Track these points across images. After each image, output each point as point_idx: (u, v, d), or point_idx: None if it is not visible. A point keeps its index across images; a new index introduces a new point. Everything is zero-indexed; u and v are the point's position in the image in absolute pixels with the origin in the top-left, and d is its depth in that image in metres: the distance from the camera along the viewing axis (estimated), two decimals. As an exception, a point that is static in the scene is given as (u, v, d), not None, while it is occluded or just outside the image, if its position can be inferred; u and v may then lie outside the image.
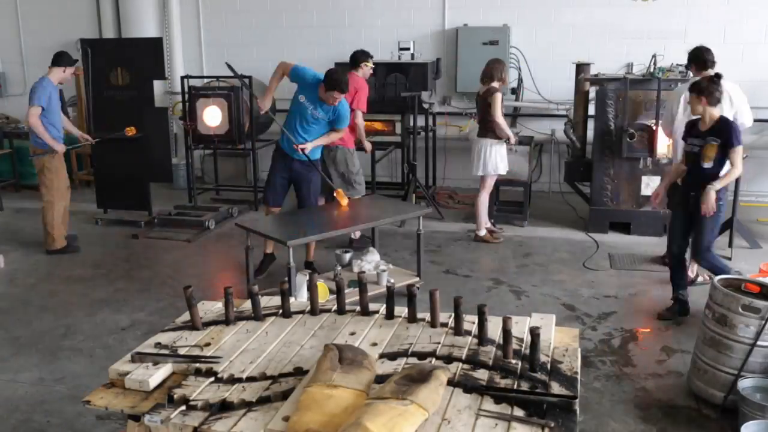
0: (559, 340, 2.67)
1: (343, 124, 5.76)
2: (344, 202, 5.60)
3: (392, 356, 2.51)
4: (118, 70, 7.45)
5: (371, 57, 6.80)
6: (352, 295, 3.26)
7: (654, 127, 6.54)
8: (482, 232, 6.85)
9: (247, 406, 2.22)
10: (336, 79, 5.43)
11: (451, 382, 2.27)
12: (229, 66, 6.14)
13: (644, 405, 3.88)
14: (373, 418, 1.94)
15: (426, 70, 8.02)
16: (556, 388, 2.26)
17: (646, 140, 6.71)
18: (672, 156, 5.97)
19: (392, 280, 5.07)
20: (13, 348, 4.71)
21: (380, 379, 2.29)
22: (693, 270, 5.56)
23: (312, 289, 2.97)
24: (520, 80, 8.58)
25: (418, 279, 5.52)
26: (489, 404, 2.16)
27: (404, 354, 2.52)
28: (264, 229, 5.23)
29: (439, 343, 2.59)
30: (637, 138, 6.73)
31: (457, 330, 2.66)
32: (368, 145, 7.00)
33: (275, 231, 5.16)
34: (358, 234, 6.60)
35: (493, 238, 6.85)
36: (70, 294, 5.71)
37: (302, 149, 5.61)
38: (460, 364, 2.42)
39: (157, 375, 2.39)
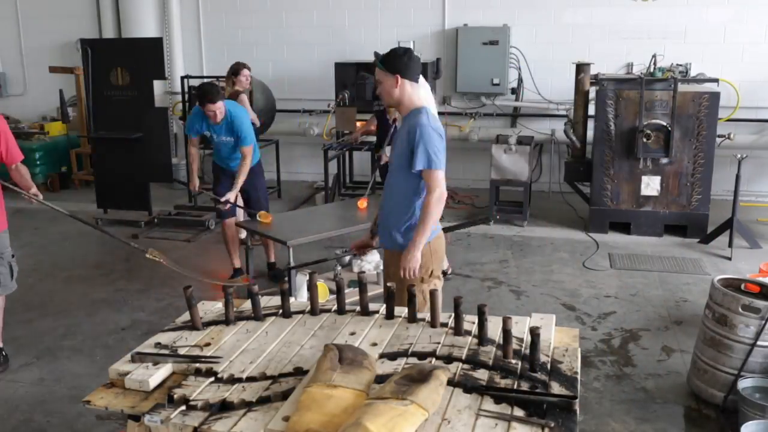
0: (559, 340, 2.67)
1: (246, 140, 5.50)
2: (267, 220, 5.40)
3: (392, 356, 2.51)
4: (118, 70, 7.45)
5: None
6: (352, 295, 3.26)
7: (669, 128, 6.57)
8: None
9: (247, 406, 2.21)
10: (199, 93, 5.40)
11: (451, 382, 2.27)
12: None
13: (644, 405, 3.88)
14: (373, 418, 1.94)
15: (426, 70, 8.02)
16: (556, 388, 2.26)
17: (662, 140, 6.72)
18: None
19: (392, 280, 5.06)
20: (13, 348, 4.71)
21: (380, 379, 2.28)
22: None
23: (312, 289, 2.97)
24: (520, 80, 8.58)
25: (418, 279, 5.51)
26: (489, 404, 2.16)
27: (404, 354, 2.52)
28: (263, 229, 5.23)
29: (439, 343, 2.59)
30: (653, 138, 6.73)
31: (457, 330, 2.66)
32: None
33: (275, 231, 5.16)
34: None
35: None
36: (70, 294, 5.71)
37: (226, 201, 5.47)
38: (460, 364, 2.41)
39: (157, 375, 2.39)
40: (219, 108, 5.33)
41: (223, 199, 5.50)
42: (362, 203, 5.66)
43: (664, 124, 6.68)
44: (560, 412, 2.12)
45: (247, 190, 5.74)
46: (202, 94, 5.36)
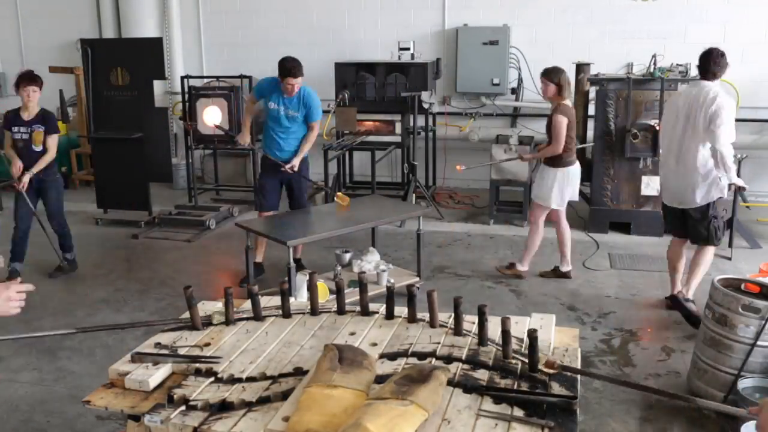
0: (559, 340, 2.67)
1: (316, 115, 5.72)
2: (345, 203, 5.60)
3: (392, 356, 2.51)
4: (118, 70, 7.46)
5: None
6: (352, 295, 3.26)
7: (657, 127, 6.54)
8: None
9: (247, 406, 2.21)
10: (285, 66, 5.50)
11: (451, 382, 2.27)
12: None
13: (644, 405, 3.88)
14: (373, 419, 1.94)
15: (426, 70, 8.01)
16: (556, 388, 2.26)
17: (649, 140, 6.71)
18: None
19: (392, 280, 5.07)
20: (13, 348, 4.70)
21: (380, 379, 2.28)
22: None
23: (312, 289, 2.97)
24: (520, 80, 8.58)
25: (418, 279, 5.52)
26: (489, 404, 2.16)
27: (404, 354, 2.52)
28: (263, 229, 5.23)
29: (439, 343, 2.59)
30: (641, 138, 6.72)
31: (457, 330, 2.66)
32: None
33: (275, 231, 5.15)
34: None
35: None
36: (70, 294, 5.71)
37: (291, 168, 5.59)
38: (460, 364, 2.41)
39: (157, 375, 2.39)
40: (299, 83, 5.55)
41: (290, 166, 5.61)
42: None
43: (652, 123, 6.67)
44: (560, 412, 2.12)
45: (291, 185, 5.83)
46: (290, 66, 5.50)
